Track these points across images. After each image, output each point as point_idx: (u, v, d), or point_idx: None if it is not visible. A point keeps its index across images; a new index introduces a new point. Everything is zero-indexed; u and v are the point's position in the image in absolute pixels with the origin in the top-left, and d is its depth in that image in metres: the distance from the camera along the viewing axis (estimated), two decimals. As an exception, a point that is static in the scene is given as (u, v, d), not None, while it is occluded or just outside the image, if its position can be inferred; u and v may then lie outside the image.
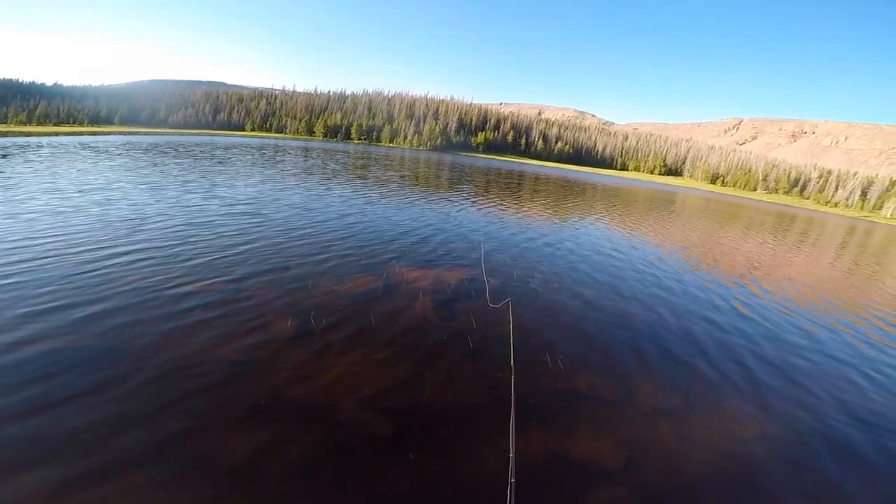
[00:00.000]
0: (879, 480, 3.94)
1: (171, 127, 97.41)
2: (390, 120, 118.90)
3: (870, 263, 18.87)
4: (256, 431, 3.44)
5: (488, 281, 7.67)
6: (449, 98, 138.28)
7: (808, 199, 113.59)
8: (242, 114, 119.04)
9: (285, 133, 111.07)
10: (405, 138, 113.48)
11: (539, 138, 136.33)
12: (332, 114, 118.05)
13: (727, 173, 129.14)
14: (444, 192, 21.33)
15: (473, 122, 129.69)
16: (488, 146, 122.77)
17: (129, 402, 3.62)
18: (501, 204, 19.21)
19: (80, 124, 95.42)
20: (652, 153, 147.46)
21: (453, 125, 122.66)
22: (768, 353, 6.31)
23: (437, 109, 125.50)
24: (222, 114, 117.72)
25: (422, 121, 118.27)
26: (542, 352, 5.34)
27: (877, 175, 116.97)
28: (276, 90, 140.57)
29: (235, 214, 10.73)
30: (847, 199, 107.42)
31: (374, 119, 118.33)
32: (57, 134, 40.91)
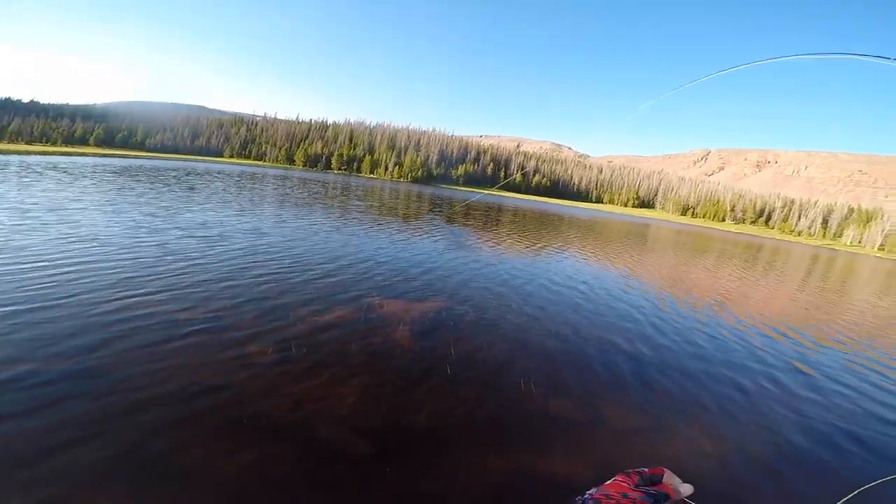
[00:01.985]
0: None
1: (147, 150, 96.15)
2: (371, 150, 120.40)
3: (835, 293, 19.65)
4: (240, 450, 3.50)
5: (465, 311, 7.83)
6: (430, 129, 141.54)
7: (773, 228, 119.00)
8: (221, 140, 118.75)
9: (265, 160, 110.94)
10: (386, 169, 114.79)
11: (518, 171, 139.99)
12: (312, 142, 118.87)
13: (697, 204, 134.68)
14: (424, 225, 21.44)
15: (454, 155, 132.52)
16: (468, 179, 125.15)
17: (106, 421, 3.58)
18: (481, 237, 19.43)
19: (54, 144, 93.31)
20: (625, 186, 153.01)
21: (434, 157, 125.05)
22: (732, 377, 6.56)
23: (419, 141, 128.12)
24: (201, 139, 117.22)
25: (403, 152, 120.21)
26: (516, 377, 5.46)
27: (836, 203, 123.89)
28: (258, 116, 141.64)
29: (209, 242, 10.49)
30: (810, 228, 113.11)
31: (355, 149, 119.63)
32: (28, 153, 39.77)
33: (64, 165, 28.50)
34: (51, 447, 3.23)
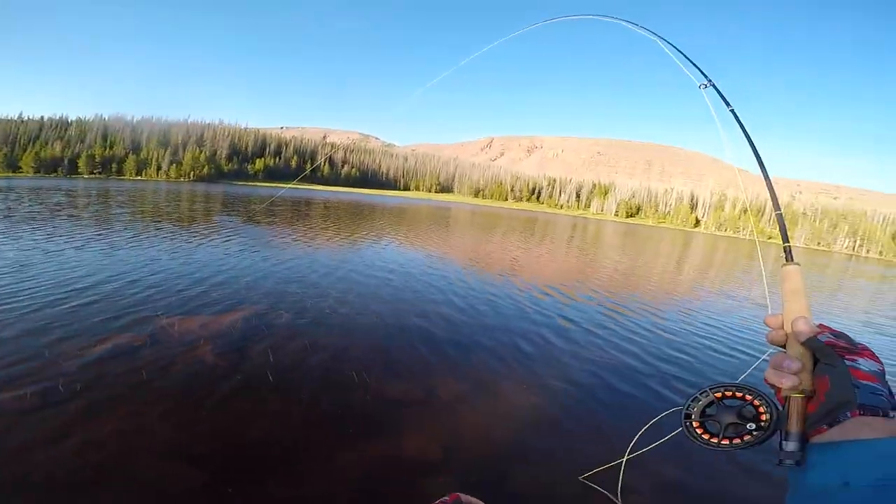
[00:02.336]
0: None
1: None
2: (136, 149, 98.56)
3: (592, 251, 25.71)
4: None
5: (274, 313, 7.39)
6: (217, 122, 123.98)
7: (543, 203, 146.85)
8: None
9: (-35, 170, 79.42)
10: (159, 169, 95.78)
11: (325, 163, 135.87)
12: (47, 144, 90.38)
13: (486, 187, 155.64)
14: (214, 228, 18.62)
15: (249, 149, 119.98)
16: (269, 173, 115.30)
17: None
18: (286, 235, 18.19)
19: None
20: (428, 173, 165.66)
21: (224, 152, 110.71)
22: (516, 342, 7.37)
23: (203, 135, 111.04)
24: None
25: (181, 149, 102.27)
26: (347, 371, 5.45)
27: (584, 180, 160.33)
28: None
29: None
30: (568, 201, 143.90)
31: (112, 148, 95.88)
32: None
33: None
34: None
